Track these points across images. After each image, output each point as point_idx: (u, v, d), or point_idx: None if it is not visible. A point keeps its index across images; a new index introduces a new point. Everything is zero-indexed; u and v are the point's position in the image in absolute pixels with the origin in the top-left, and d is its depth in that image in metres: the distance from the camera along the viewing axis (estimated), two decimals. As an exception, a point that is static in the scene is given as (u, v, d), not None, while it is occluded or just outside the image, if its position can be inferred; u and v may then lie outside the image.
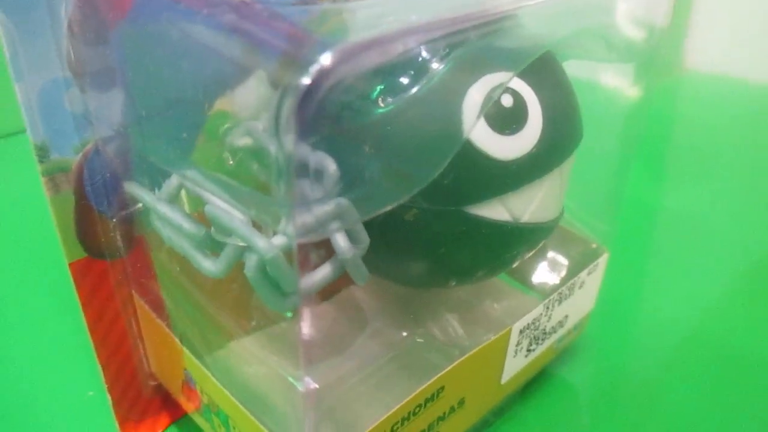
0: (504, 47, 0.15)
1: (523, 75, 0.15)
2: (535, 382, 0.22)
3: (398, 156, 0.14)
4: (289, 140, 0.10)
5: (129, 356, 0.20)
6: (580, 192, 0.21)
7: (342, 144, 0.14)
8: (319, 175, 0.14)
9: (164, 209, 0.15)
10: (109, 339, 0.19)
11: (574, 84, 0.17)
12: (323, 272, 0.14)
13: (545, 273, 0.20)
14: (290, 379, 0.14)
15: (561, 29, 0.16)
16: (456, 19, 0.13)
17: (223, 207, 0.14)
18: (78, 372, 0.21)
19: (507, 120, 0.14)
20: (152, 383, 0.21)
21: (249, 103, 0.14)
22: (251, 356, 0.16)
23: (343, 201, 0.13)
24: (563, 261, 0.21)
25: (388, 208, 0.14)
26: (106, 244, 0.18)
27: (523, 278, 0.21)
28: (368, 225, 0.15)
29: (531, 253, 0.18)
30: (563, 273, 0.20)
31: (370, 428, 0.15)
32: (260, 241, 0.13)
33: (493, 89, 0.14)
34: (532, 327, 0.19)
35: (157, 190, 0.16)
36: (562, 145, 0.16)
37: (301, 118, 0.10)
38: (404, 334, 0.17)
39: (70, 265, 0.17)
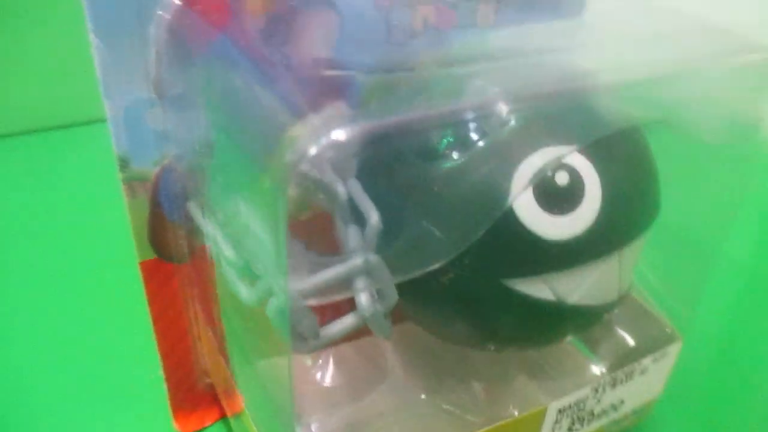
0: (575, 119, 0.14)
1: (588, 151, 0.14)
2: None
3: (435, 218, 0.14)
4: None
5: (187, 352, 0.21)
6: (662, 267, 0.19)
7: (381, 198, 0.14)
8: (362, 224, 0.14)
9: (211, 232, 0.16)
10: (169, 334, 0.21)
11: (663, 154, 0.16)
12: (343, 324, 0.14)
13: (604, 350, 0.19)
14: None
15: (654, 105, 0.15)
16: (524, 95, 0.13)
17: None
18: (140, 360, 0.23)
19: (558, 199, 0.14)
20: (207, 380, 0.22)
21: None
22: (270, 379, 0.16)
23: (373, 257, 0.13)
24: (628, 341, 0.19)
25: (419, 272, 0.14)
26: (175, 249, 0.19)
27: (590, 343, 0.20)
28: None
29: (583, 332, 0.17)
30: (624, 355, 0.19)
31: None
32: (292, 282, 0.13)
33: (547, 164, 0.13)
34: (575, 407, 0.17)
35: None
36: (624, 230, 0.15)
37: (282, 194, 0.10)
38: (423, 396, 0.17)
39: (140, 263, 0.19)
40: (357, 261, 0.13)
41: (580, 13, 0.20)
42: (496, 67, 0.15)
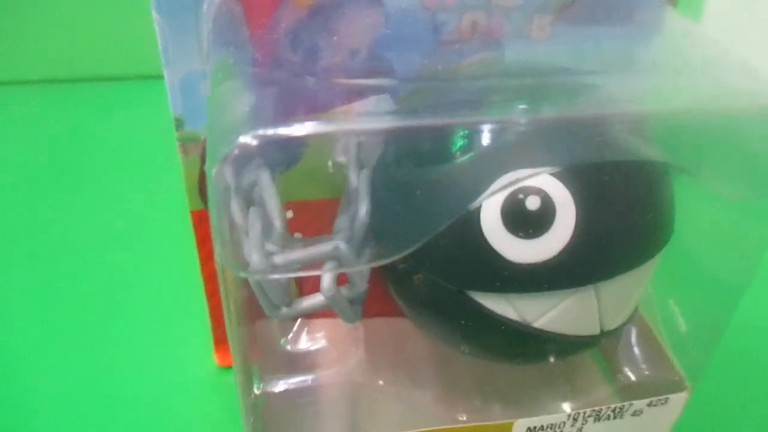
0: (565, 145, 0.14)
1: (569, 179, 0.14)
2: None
3: (400, 211, 0.14)
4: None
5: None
6: (683, 311, 0.18)
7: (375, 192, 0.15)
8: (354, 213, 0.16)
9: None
10: (214, 276, 0.23)
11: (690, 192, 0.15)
12: (312, 301, 0.15)
13: (598, 379, 0.18)
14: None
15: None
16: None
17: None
18: (189, 298, 0.26)
19: (526, 222, 0.14)
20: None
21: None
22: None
23: (343, 245, 0.15)
24: (629, 376, 0.19)
25: (384, 261, 0.14)
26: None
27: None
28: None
29: (560, 358, 0.17)
30: (616, 391, 0.18)
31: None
32: (255, 257, 0.14)
33: (518, 187, 0.13)
34: (549, 430, 0.17)
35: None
36: (600, 264, 0.14)
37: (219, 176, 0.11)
38: (381, 382, 0.18)
39: (191, 212, 0.21)
40: (327, 247, 0.14)
41: (653, 33, 0.19)
42: (521, 84, 0.15)
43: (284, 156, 0.15)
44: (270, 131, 0.11)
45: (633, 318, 0.17)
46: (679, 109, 0.14)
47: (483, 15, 0.19)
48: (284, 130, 0.11)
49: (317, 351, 0.18)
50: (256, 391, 0.16)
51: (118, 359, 0.25)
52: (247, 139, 0.11)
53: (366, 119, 0.13)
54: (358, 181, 0.16)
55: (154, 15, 0.17)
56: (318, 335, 0.18)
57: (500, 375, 0.19)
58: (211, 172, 0.11)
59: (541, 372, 0.19)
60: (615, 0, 0.19)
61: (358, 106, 0.19)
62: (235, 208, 0.14)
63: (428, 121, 0.13)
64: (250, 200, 0.15)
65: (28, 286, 0.28)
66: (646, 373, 0.19)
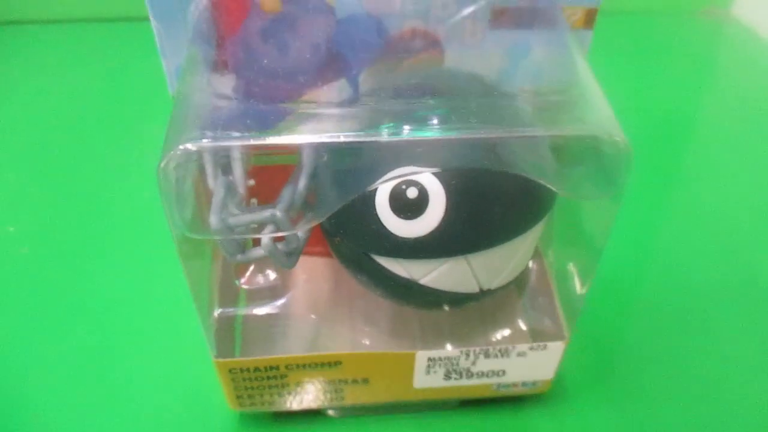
0: (445, 151, 0.18)
1: (443, 176, 0.18)
2: (481, 405, 0.25)
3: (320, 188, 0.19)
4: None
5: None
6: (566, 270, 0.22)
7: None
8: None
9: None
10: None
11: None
12: (255, 252, 0.20)
13: (482, 321, 0.23)
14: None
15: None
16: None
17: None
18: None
19: (405, 208, 0.18)
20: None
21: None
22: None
23: (280, 213, 0.19)
24: (520, 325, 0.23)
25: (311, 224, 0.19)
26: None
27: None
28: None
29: (453, 307, 0.21)
30: (503, 333, 0.23)
31: (269, 357, 0.21)
32: (213, 218, 0.19)
33: (400, 179, 0.18)
34: (446, 361, 0.22)
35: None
36: (466, 241, 0.19)
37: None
38: (313, 316, 0.23)
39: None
40: (266, 213, 0.19)
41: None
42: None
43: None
44: (206, 142, 0.16)
45: (520, 277, 0.22)
46: (528, 132, 0.17)
47: (421, 22, 0.22)
48: (214, 143, 0.16)
49: (261, 288, 0.23)
50: (216, 314, 0.22)
51: (131, 397, 0.26)
52: (192, 145, 0.16)
53: (295, 137, 0.17)
54: (303, 162, 0.21)
55: (152, 21, 0.21)
56: (266, 275, 0.24)
57: (414, 315, 0.24)
58: (160, 165, 0.16)
59: (451, 317, 0.24)
60: (540, 9, 0.22)
61: (325, 90, 0.23)
62: (210, 176, 0.19)
63: (334, 138, 0.17)
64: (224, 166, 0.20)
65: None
66: (535, 323, 0.23)
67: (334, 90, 0.23)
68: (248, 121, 0.20)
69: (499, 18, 0.22)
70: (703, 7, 0.59)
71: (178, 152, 0.16)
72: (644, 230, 0.34)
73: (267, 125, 0.21)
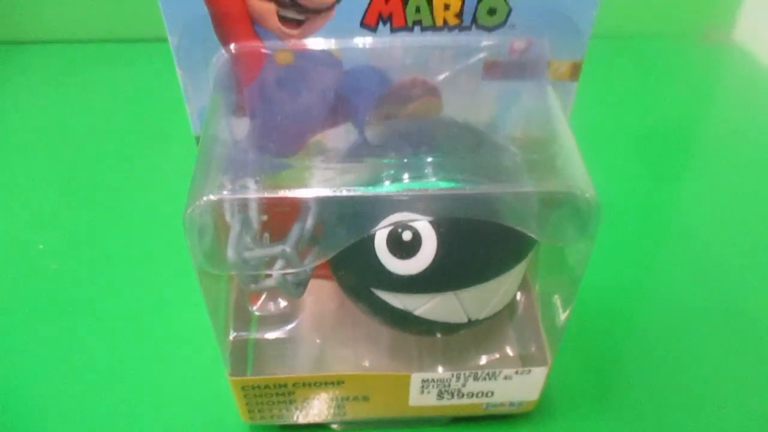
0: (436, 203, 0.20)
1: (435, 222, 0.20)
2: (473, 422, 0.27)
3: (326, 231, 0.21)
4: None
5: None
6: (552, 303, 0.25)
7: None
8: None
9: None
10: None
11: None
12: (266, 283, 0.22)
13: (475, 347, 0.25)
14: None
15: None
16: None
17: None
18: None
19: (400, 248, 0.20)
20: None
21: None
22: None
23: (289, 249, 0.21)
24: (507, 351, 0.25)
25: (316, 263, 0.21)
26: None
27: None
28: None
29: (445, 334, 0.23)
30: (492, 358, 0.25)
31: (279, 375, 0.24)
32: (230, 252, 0.22)
33: (396, 224, 0.20)
34: (439, 383, 0.24)
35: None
36: (454, 279, 0.21)
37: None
38: (318, 341, 0.25)
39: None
40: (277, 249, 0.21)
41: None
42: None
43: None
44: (226, 194, 0.18)
45: (510, 307, 0.24)
46: (510, 188, 0.19)
47: (420, 73, 0.24)
48: (234, 195, 0.18)
49: (272, 315, 0.26)
50: (230, 337, 0.24)
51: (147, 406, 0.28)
52: (214, 196, 0.18)
53: (307, 192, 0.20)
54: (310, 204, 0.23)
55: (177, 70, 0.24)
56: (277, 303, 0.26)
57: (411, 339, 0.26)
58: (187, 210, 0.18)
59: (448, 343, 0.26)
60: (527, 63, 0.24)
61: (331, 133, 0.25)
62: (227, 213, 0.22)
63: (337, 193, 0.19)
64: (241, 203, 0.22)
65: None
66: (522, 349, 0.25)
67: (342, 132, 0.26)
68: (264, 163, 0.22)
69: (491, 70, 0.24)
70: (705, 31, 0.61)
71: (202, 203, 0.18)
72: (634, 257, 0.36)
73: (279, 166, 0.24)
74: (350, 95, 0.25)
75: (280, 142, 0.26)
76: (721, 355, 0.31)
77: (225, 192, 0.18)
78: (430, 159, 0.20)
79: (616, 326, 0.31)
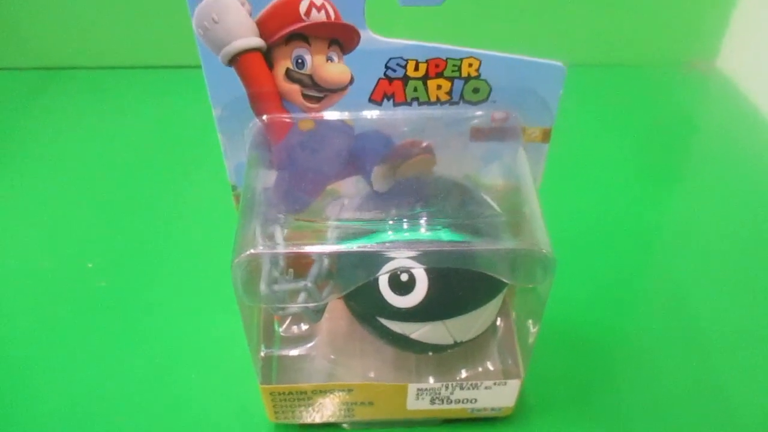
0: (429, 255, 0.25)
1: (428, 269, 0.25)
2: (460, 423, 0.32)
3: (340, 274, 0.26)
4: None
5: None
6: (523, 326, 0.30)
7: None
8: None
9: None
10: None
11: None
12: (292, 309, 0.28)
13: (464, 362, 0.31)
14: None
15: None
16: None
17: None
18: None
19: (398, 287, 0.25)
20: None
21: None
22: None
23: (310, 284, 0.27)
24: (488, 366, 0.30)
25: (331, 299, 0.27)
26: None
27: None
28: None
29: (436, 353, 0.29)
30: (470, 372, 0.30)
31: (300, 384, 0.29)
32: (262, 286, 0.27)
33: (396, 269, 0.25)
34: (431, 391, 0.30)
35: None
36: (442, 311, 0.26)
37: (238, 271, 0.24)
38: (332, 357, 0.31)
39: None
40: (300, 284, 0.27)
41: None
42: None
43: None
44: (262, 249, 0.24)
45: (491, 330, 0.29)
46: (486, 246, 0.25)
47: (418, 138, 0.29)
48: (270, 250, 0.24)
49: (295, 335, 0.31)
50: (262, 354, 0.30)
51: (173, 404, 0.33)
52: (254, 251, 0.23)
53: (325, 247, 0.25)
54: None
55: (219, 135, 0.29)
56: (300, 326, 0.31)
57: (410, 354, 0.31)
58: (234, 261, 0.23)
59: (441, 358, 0.32)
60: (506, 129, 0.29)
61: (344, 183, 0.30)
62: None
63: (353, 248, 0.24)
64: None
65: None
66: (501, 364, 0.31)
67: (353, 181, 0.31)
68: (289, 204, 0.28)
69: (477, 134, 0.29)
70: (689, 59, 0.65)
71: (245, 256, 0.23)
72: (607, 279, 0.41)
73: (302, 206, 0.29)
74: (360, 153, 0.30)
75: (303, 189, 0.31)
76: (679, 369, 0.36)
77: (261, 247, 0.24)
78: (423, 218, 0.25)
79: (584, 345, 0.37)
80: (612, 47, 0.63)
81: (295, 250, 0.24)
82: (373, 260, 0.25)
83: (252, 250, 0.23)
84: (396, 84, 0.28)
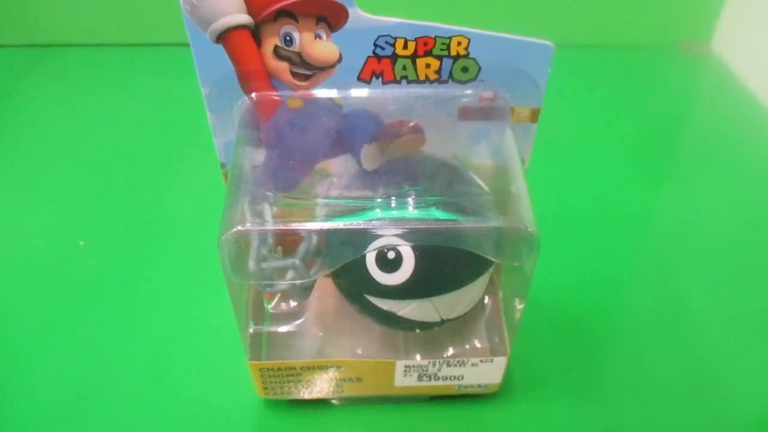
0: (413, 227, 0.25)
1: (414, 246, 0.25)
2: (448, 400, 0.33)
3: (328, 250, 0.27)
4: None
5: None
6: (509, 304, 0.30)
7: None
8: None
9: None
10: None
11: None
12: (280, 286, 0.28)
13: (451, 339, 0.31)
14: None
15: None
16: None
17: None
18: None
19: (386, 265, 0.26)
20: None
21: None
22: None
23: (298, 262, 0.27)
24: (475, 343, 0.31)
25: (319, 276, 0.27)
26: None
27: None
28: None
29: (423, 330, 0.29)
30: (457, 349, 0.30)
31: (290, 360, 0.29)
32: (251, 263, 0.27)
33: (383, 247, 0.25)
34: (418, 368, 0.30)
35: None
36: (428, 289, 0.26)
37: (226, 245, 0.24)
38: (320, 334, 0.31)
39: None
40: (288, 262, 0.27)
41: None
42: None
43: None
44: (250, 226, 0.24)
45: (479, 308, 0.30)
46: (473, 224, 0.25)
47: (406, 117, 0.30)
48: (258, 227, 0.24)
49: (284, 312, 0.32)
50: (250, 330, 0.30)
51: (160, 383, 0.33)
52: (241, 228, 0.24)
53: (313, 225, 0.26)
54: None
55: (208, 113, 0.29)
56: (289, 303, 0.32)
57: (397, 333, 0.31)
58: (221, 238, 0.24)
59: (429, 335, 0.32)
60: (495, 108, 0.29)
61: (333, 161, 0.30)
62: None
63: (340, 226, 0.24)
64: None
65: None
66: (488, 342, 0.31)
67: (342, 160, 0.31)
68: (278, 182, 0.28)
69: (465, 113, 0.30)
70: (682, 41, 0.65)
71: (232, 232, 0.23)
72: (594, 262, 0.41)
73: (291, 185, 0.29)
74: (348, 132, 0.30)
75: (292, 168, 0.31)
76: (665, 349, 0.36)
77: (249, 224, 0.24)
78: (411, 196, 0.26)
79: (571, 325, 0.37)
80: (604, 28, 0.63)
81: (282, 227, 0.25)
82: (360, 238, 0.25)
83: (239, 227, 0.24)
84: (385, 62, 0.28)
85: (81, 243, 0.42)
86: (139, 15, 0.59)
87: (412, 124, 0.30)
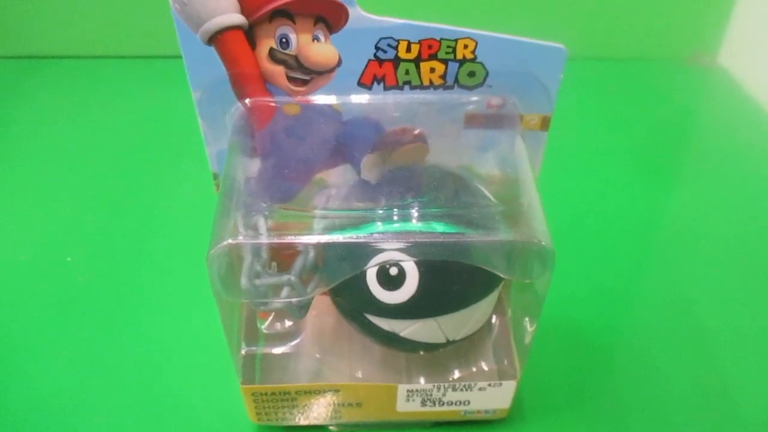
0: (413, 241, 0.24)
1: (418, 262, 0.23)
2: (453, 426, 0.31)
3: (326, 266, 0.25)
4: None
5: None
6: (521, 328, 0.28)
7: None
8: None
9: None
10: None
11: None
12: (275, 305, 0.26)
13: (457, 362, 0.29)
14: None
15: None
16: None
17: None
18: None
19: (387, 282, 0.24)
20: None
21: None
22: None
23: (294, 278, 0.25)
24: (482, 366, 0.29)
25: (316, 293, 0.25)
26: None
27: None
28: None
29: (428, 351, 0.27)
30: (463, 372, 0.28)
31: (285, 384, 0.27)
32: (243, 280, 0.25)
33: (385, 262, 0.23)
34: (422, 392, 0.28)
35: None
36: (433, 308, 0.24)
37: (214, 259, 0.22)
38: (317, 355, 0.29)
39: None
40: (283, 278, 0.25)
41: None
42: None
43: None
44: (242, 239, 0.22)
45: (486, 328, 0.28)
46: (481, 237, 0.23)
47: (409, 125, 0.28)
48: (251, 240, 0.22)
49: (279, 332, 0.30)
50: (243, 352, 0.28)
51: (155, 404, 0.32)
52: (232, 241, 0.22)
53: (310, 238, 0.24)
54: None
55: (199, 119, 0.27)
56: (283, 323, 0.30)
57: (399, 354, 0.29)
58: (210, 252, 0.22)
59: (433, 357, 0.30)
60: (503, 115, 0.27)
61: (332, 172, 0.29)
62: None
63: (339, 239, 0.23)
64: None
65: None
66: (496, 364, 0.29)
67: (341, 171, 0.29)
68: (274, 193, 0.26)
69: (472, 121, 0.28)
70: (690, 53, 0.64)
71: (222, 246, 0.22)
72: (605, 276, 0.39)
73: (288, 196, 0.28)
74: (348, 141, 0.29)
75: (288, 178, 0.29)
76: (677, 367, 0.34)
77: (241, 237, 0.22)
78: (415, 207, 0.24)
79: (588, 341, 0.35)
80: (613, 41, 0.62)
81: (277, 240, 0.23)
82: (360, 252, 0.23)
83: (230, 240, 0.22)
84: (386, 66, 0.26)
85: (68, 259, 0.40)
86: (133, 27, 0.57)
87: (415, 132, 0.28)
